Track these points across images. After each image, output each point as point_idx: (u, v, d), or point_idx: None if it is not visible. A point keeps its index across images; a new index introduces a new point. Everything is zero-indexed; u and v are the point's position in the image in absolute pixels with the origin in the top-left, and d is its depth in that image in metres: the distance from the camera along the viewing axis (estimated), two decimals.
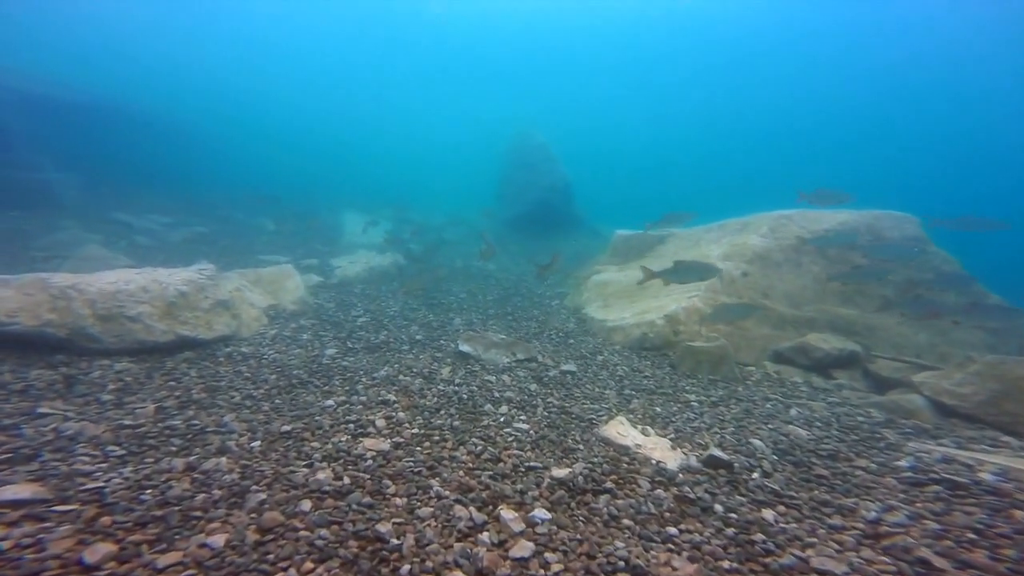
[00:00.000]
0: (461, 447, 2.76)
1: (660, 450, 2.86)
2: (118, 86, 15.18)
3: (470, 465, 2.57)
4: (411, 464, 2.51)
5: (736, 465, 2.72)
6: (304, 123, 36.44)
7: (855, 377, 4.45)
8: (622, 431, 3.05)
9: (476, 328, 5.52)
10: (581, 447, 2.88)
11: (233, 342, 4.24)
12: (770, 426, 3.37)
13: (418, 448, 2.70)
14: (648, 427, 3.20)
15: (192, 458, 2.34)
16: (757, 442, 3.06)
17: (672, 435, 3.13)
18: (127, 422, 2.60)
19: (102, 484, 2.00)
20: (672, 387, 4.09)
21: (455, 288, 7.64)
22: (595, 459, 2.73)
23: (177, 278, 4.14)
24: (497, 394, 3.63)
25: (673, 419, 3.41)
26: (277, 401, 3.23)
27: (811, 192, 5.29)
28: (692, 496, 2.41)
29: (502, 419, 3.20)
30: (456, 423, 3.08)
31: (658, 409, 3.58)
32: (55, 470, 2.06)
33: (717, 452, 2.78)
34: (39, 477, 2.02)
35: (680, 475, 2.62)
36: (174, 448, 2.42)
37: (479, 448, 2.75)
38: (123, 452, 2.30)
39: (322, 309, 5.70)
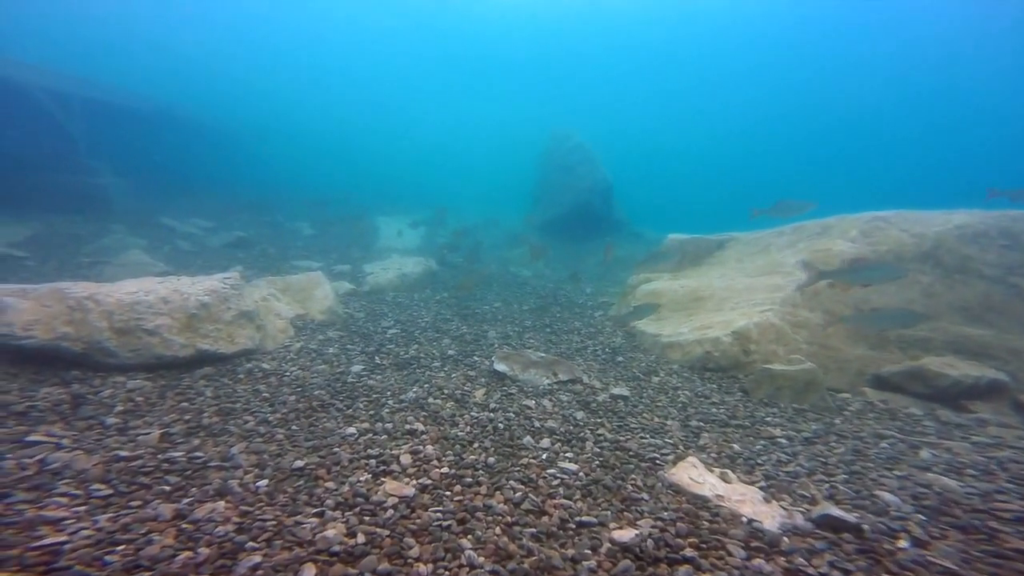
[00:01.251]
0: (497, 492, 2.30)
1: (750, 503, 2.28)
2: (165, 93, 15.74)
3: (508, 519, 2.10)
4: (439, 516, 2.08)
5: (866, 528, 2.10)
6: (342, 126, 37.37)
7: (1002, 411, 3.64)
8: (695, 475, 2.49)
9: (512, 342, 5.07)
10: (645, 496, 2.35)
11: (256, 356, 3.97)
12: (898, 473, 2.70)
13: (447, 493, 2.26)
14: (728, 471, 2.62)
15: (185, 502, 2.00)
16: (887, 496, 2.41)
17: (762, 483, 2.54)
18: (124, 453, 2.30)
19: (64, 539, 1.66)
20: (749, 418, 3.46)
21: (489, 296, 7.23)
22: (665, 514, 2.19)
23: (200, 288, 3.92)
24: (538, 423, 3.15)
25: (758, 460, 2.81)
26: (294, 427, 2.89)
27: (771, 206, 4.69)
28: (813, 573, 1.83)
29: (544, 456, 2.72)
30: (491, 460, 2.62)
31: (736, 447, 2.98)
32: (16, 515, 1.76)
33: (834, 510, 2.17)
34: None
35: (785, 539, 2.04)
36: (167, 488, 2.08)
37: (518, 495, 2.28)
38: (109, 492, 1.99)
39: (351, 319, 5.41)
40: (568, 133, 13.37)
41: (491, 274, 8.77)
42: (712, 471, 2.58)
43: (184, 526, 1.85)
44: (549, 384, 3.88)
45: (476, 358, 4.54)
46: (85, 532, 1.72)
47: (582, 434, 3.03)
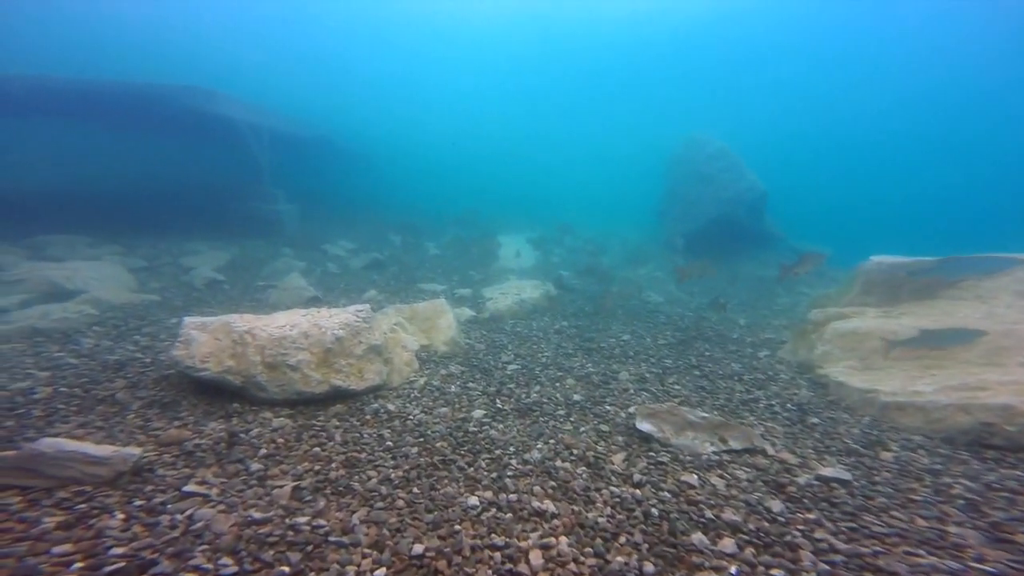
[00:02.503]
0: None
1: None
2: (318, 122, 17.62)
3: None
4: None
5: None
6: (466, 143, 39.44)
7: None
8: None
9: (651, 388, 4.38)
10: None
11: (382, 393, 3.97)
12: None
13: None
14: None
15: None
16: None
17: None
18: (257, 515, 2.27)
19: None
20: None
21: (614, 326, 6.58)
22: None
23: (335, 321, 4.07)
24: (710, 513, 2.46)
25: None
26: (415, 490, 2.67)
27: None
28: None
29: (734, 572, 2.05)
30: (648, 568, 2.05)
31: None
32: None
33: None
34: None
35: None
36: (286, 571, 1.95)
37: None
38: (234, 570, 1.91)
39: (472, 351, 5.27)
40: (706, 139, 12.00)
41: (614, 299, 8.09)
42: None
43: None
44: (715, 453, 3.13)
45: (608, 407, 3.98)
46: None
47: (788, 537, 2.26)
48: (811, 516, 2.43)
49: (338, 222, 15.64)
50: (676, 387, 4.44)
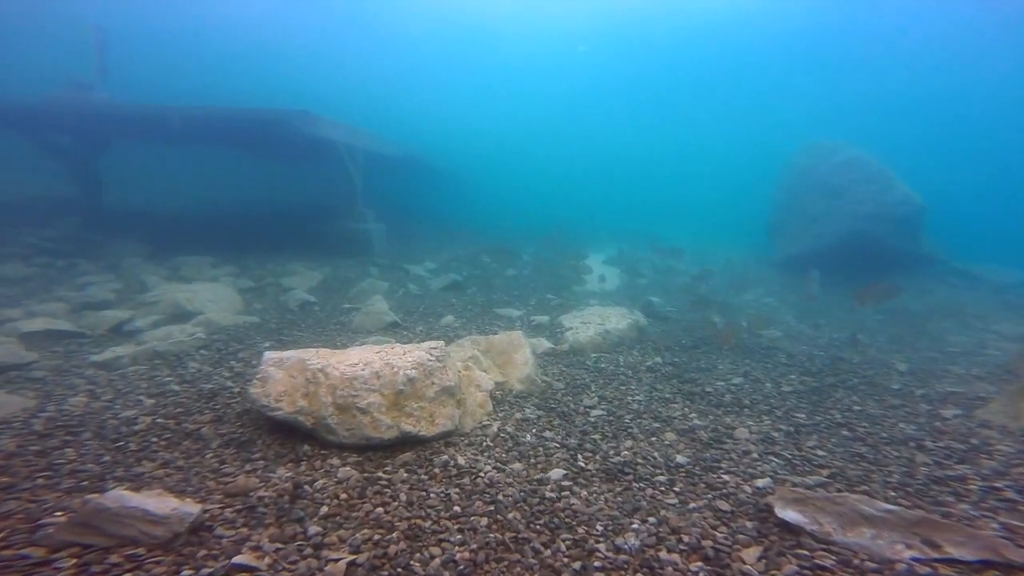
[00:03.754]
0: None
1: None
2: (408, 141, 18.16)
3: None
4: None
5: None
6: (554, 159, 39.00)
7: None
8: None
9: (782, 452, 3.56)
10: None
11: (453, 440, 3.65)
12: None
13: None
14: None
15: None
16: None
17: None
18: None
19: None
20: None
21: (721, 365, 5.68)
22: None
23: (408, 360, 3.86)
24: None
25: None
26: None
27: None
28: None
29: None
30: None
31: None
32: None
33: None
34: None
35: None
36: None
37: None
38: None
39: (550, 390, 4.81)
40: (835, 145, 10.41)
41: (712, 331, 7.14)
42: None
43: None
44: (922, 562, 2.30)
45: (724, 475, 3.26)
46: None
47: None
48: None
49: (425, 241, 16.12)
50: (819, 453, 3.56)
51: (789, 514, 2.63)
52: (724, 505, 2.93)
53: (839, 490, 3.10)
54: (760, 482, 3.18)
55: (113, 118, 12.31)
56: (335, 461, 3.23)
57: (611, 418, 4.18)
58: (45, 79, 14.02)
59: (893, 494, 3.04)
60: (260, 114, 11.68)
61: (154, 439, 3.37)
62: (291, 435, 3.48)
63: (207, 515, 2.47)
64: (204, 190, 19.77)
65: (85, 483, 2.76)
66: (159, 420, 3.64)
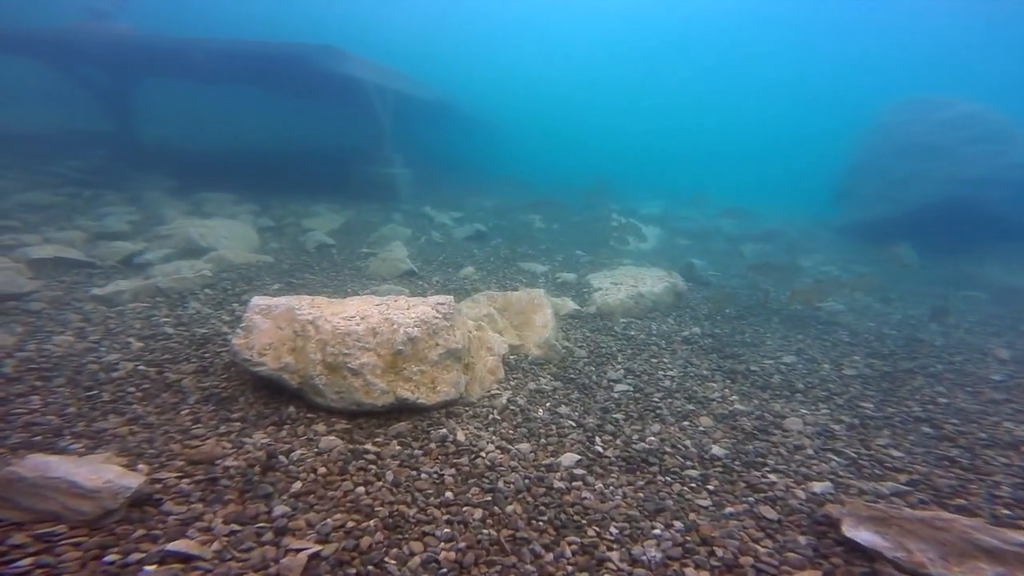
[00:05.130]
0: None
1: None
2: (441, 84, 17.05)
3: None
4: None
5: None
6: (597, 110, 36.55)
7: None
8: None
9: (842, 444, 2.97)
10: None
11: (455, 410, 3.23)
12: None
13: None
14: None
15: None
16: None
17: None
18: None
19: None
20: None
21: (770, 339, 4.98)
22: None
23: (411, 316, 3.39)
24: None
25: None
26: None
27: None
28: None
29: None
30: None
31: None
32: None
33: None
34: None
35: None
36: None
37: None
38: None
39: (571, 358, 4.29)
40: (943, 100, 8.82)
41: (761, 302, 6.35)
42: None
43: None
44: None
45: (771, 475, 2.73)
46: None
47: None
48: None
49: (451, 190, 15.46)
50: (893, 453, 2.95)
51: (864, 535, 2.08)
52: (770, 512, 2.41)
53: (922, 501, 2.52)
54: (817, 486, 2.62)
55: (135, 49, 11.84)
56: (320, 427, 2.88)
57: (638, 395, 3.65)
58: (63, 4, 13.57)
59: (1007, 513, 2.42)
60: (284, 48, 10.92)
61: (131, 389, 3.10)
62: (277, 394, 3.14)
63: (158, 486, 2.16)
64: (234, 129, 19.50)
65: (37, 438, 2.49)
66: (141, 367, 3.37)
